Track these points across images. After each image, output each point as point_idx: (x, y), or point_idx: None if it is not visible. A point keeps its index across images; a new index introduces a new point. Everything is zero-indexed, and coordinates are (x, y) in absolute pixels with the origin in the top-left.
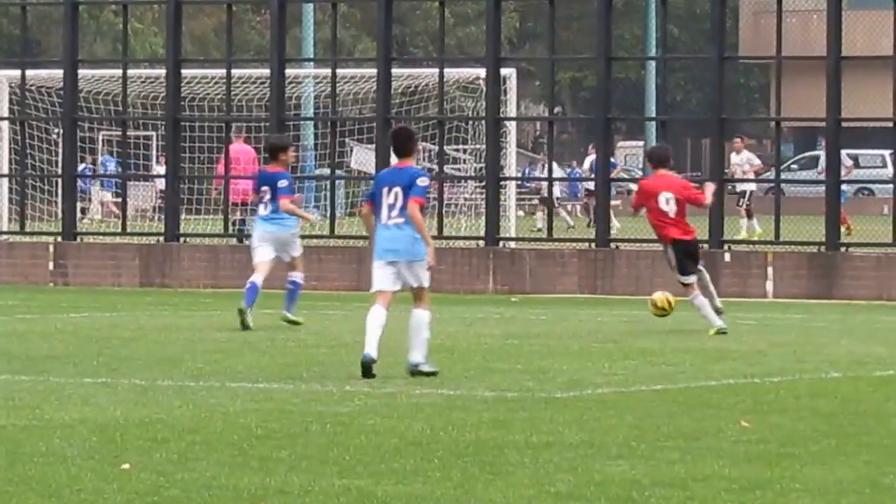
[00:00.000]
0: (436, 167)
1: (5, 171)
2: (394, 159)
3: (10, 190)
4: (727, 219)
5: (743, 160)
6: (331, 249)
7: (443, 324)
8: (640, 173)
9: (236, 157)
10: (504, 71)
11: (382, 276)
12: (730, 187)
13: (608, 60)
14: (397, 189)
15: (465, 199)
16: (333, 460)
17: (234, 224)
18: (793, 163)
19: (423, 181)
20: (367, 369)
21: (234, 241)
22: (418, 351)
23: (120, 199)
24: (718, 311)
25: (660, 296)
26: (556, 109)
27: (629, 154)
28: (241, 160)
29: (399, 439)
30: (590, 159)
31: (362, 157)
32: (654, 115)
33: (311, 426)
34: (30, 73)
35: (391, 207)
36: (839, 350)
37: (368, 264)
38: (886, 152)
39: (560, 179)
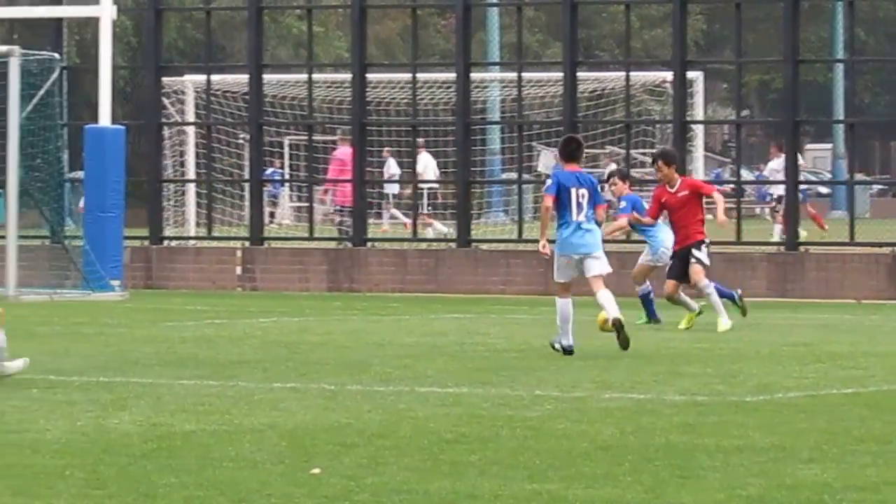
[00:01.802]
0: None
1: (192, 176)
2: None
3: (198, 195)
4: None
5: (779, 166)
6: (518, 254)
7: (631, 328)
8: (829, 175)
9: (345, 160)
10: (691, 74)
11: (568, 269)
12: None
13: (796, 63)
14: (584, 191)
15: None
16: (523, 465)
17: None
18: None
19: (600, 187)
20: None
21: (422, 245)
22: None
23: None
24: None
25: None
26: (744, 112)
27: (817, 157)
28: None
29: (589, 443)
30: (778, 161)
31: (549, 161)
32: (841, 117)
33: (500, 430)
34: (215, 77)
35: (580, 207)
36: None
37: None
38: None
39: (748, 182)
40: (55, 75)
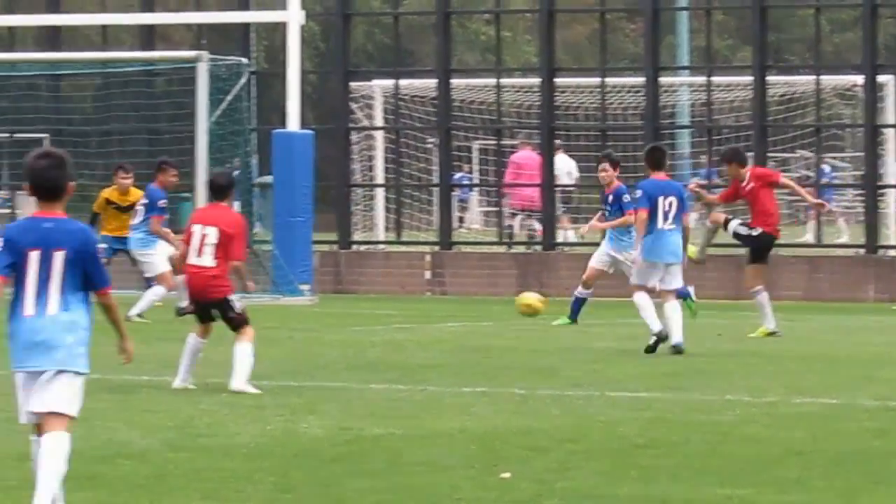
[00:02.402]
0: (813, 175)
1: (381, 180)
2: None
3: (386, 199)
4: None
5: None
6: (711, 258)
7: (822, 333)
8: None
9: (522, 164)
10: (881, 78)
11: (651, 274)
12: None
13: None
14: (672, 199)
15: (844, 208)
16: (714, 470)
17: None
18: None
19: (686, 194)
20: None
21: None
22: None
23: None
24: None
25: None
26: None
27: None
28: (524, 167)
29: (780, 448)
30: None
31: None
32: None
33: (691, 435)
34: (403, 82)
35: (666, 215)
36: None
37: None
38: None
39: None
40: (244, 80)
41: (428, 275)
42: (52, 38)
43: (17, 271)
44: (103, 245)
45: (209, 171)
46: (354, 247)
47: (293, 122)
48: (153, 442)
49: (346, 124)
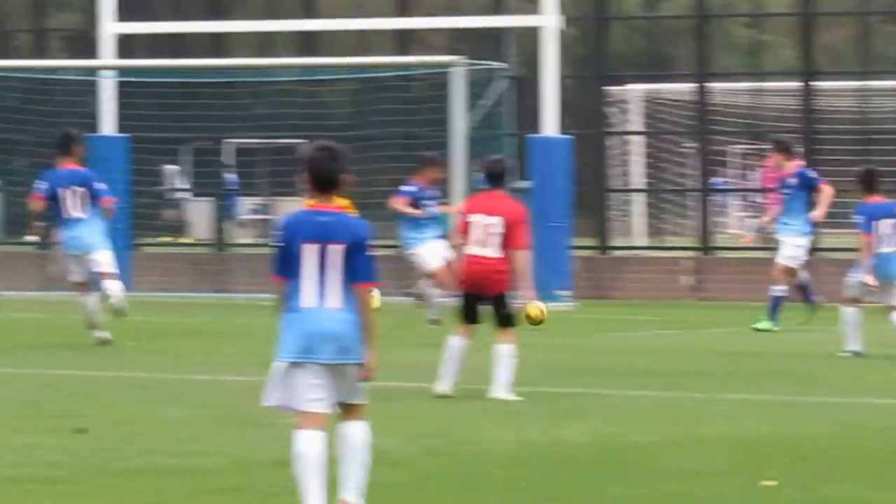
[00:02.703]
0: None
1: (639, 185)
2: None
3: (647, 205)
4: None
5: None
6: None
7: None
8: None
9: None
10: None
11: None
12: None
13: None
14: (891, 221)
15: None
16: None
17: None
18: None
19: None
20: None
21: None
22: None
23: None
24: None
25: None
26: None
27: None
28: None
29: None
30: None
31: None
32: None
33: None
34: (660, 86)
35: (887, 238)
36: None
37: None
38: None
39: None
40: (502, 85)
41: (687, 280)
42: (309, 43)
43: (294, 265)
44: None
45: (467, 176)
46: (613, 252)
47: (551, 127)
48: (412, 449)
49: (603, 129)
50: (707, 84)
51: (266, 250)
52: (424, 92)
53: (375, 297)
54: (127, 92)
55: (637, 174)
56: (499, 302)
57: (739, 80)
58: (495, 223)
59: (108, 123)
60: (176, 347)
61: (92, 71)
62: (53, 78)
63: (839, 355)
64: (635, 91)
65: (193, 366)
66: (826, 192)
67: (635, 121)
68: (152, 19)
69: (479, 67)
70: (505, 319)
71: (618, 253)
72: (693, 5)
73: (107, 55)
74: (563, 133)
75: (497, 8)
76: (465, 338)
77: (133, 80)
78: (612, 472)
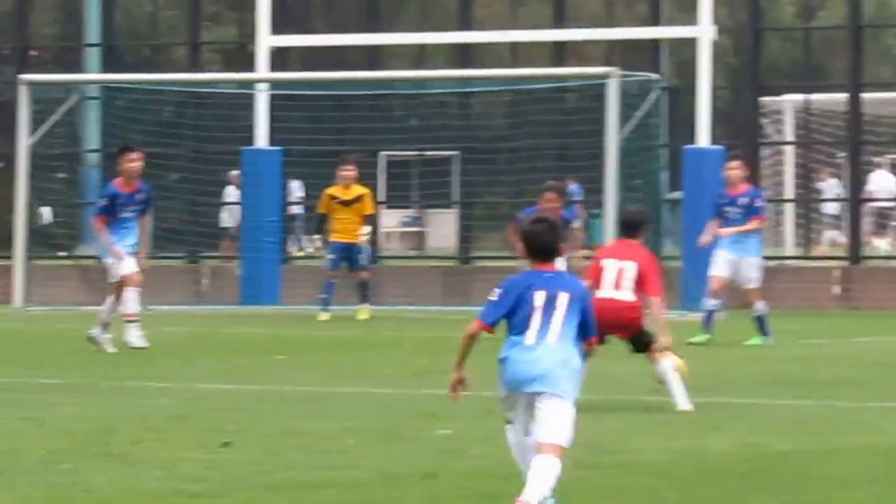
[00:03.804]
0: None
1: (791, 195)
2: None
3: (797, 215)
4: None
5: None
6: None
7: None
8: None
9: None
10: None
11: None
12: None
13: None
14: None
15: None
16: None
17: None
18: None
19: None
20: None
21: None
22: None
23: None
24: None
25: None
26: None
27: None
28: None
29: None
30: None
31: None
32: None
33: None
34: (814, 97)
35: None
36: None
37: None
38: None
39: None
40: (654, 96)
41: (837, 289)
42: (463, 55)
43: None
44: (330, 255)
45: (617, 193)
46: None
47: (703, 138)
48: None
49: (757, 140)
50: (860, 94)
51: (416, 262)
52: (579, 103)
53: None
54: (281, 105)
55: (790, 184)
56: (635, 339)
57: (893, 90)
58: (629, 267)
59: (262, 137)
60: (324, 360)
61: (247, 84)
62: (208, 91)
63: None
64: (789, 101)
65: (341, 378)
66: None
67: (789, 131)
68: (307, 32)
69: (634, 78)
70: (642, 345)
71: (768, 262)
72: (848, 15)
73: (262, 68)
74: (716, 144)
75: (652, 19)
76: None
77: (288, 92)
78: (757, 481)
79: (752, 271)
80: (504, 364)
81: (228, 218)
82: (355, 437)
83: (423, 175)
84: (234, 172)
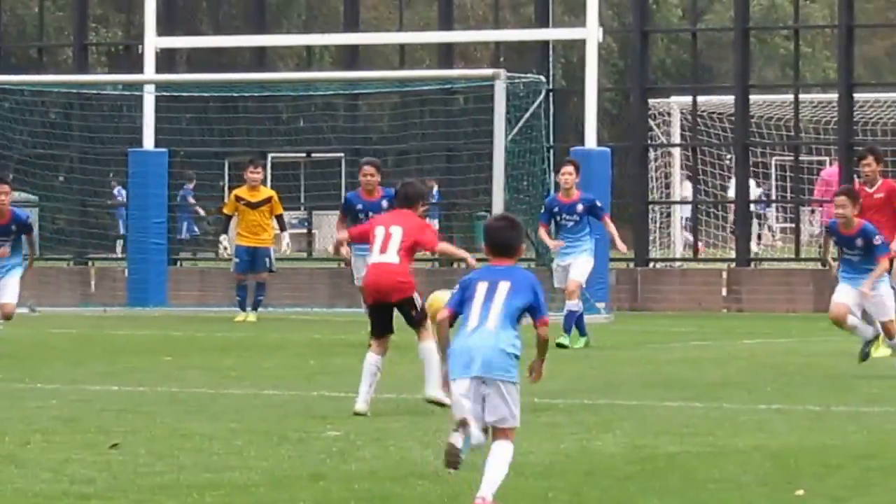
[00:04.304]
0: None
1: (678, 197)
2: None
3: (681, 217)
4: None
5: None
6: None
7: None
8: None
9: (832, 180)
10: None
11: None
12: None
13: None
14: None
15: None
16: None
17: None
18: None
19: None
20: None
21: None
22: None
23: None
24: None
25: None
26: None
27: None
28: (834, 183)
29: None
30: None
31: None
32: None
33: None
34: (701, 99)
35: None
36: None
37: None
38: None
39: None
40: (541, 97)
41: (724, 291)
42: (350, 57)
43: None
44: (236, 258)
45: (504, 194)
46: (651, 264)
47: (591, 140)
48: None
49: (644, 141)
50: (748, 96)
51: (313, 264)
52: (466, 105)
53: None
54: (168, 107)
55: (677, 186)
56: (406, 312)
57: (780, 91)
58: (396, 232)
59: (149, 138)
60: (211, 361)
61: (134, 86)
62: (95, 93)
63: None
64: (676, 103)
65: (229, 380)
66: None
67: (676, 133)
68: (194, 33)
69: (521, 80)
70: (412, 320)
71: (657, 265)
72: (734, 18)
73: (149, 70)
74: (603, 145)
75: (540, 21)
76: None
77: (175, 94)
78: (645, 482)
79: (584, 266)
80: (450, 354)
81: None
82: (244, 438)
83: (310, 177)
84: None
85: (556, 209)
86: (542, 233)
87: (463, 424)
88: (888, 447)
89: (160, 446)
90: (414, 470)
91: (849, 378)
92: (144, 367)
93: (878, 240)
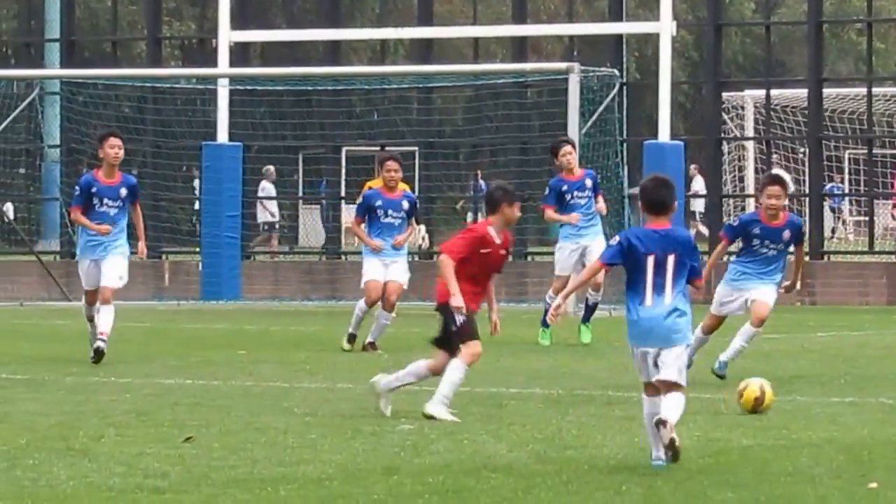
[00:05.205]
0: None
1: (752, 190)
2: None
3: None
4: None
5: None
6: None
7: None
8: None
9: None
10: None
11: None
12: None
13: None
14: None
15: None
16: None
17: None
18: None
19: None
20: None
21: None
22: None
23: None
24: None
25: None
26: None
27: None
28: None
29: None
30: None
31: None
32: None
33: None
34: (774, 92)
35: None
36: None
37: None
38: None
39: None
40: (615, 91)
41: (798, 285)
42: (424, 50)
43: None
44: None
45: None
46: (726, 258)
47: (664, 133)
48: (521, 454)
49: (717, 135)
50: (821, 89)
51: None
52: (539, 98)
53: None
54: (241, 101)
55: (751, 179)
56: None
57: (853, 85)
58: None
59: (222, 132)
60: (285, 356)
61: (208, 79)
62: (169, 87)
63: None
64: (750, 96)
65: (302, 374)
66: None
67: (750, 126)
68: (268, 27)
69: (595, 74)
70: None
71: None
72: (808, 11)
73: (222, 64)
74: (676, 139)
75: (613, 14)
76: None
77: (248, 88)
78: (718, 476)
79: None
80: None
81: (262, 212)
82: (317, 432)
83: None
84: (269, 167)
85: (564, 188)
86: (551, 213)
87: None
88: None
89: (234, 440)
90: (487, 463)
91: None
92: (218, 361)
93: None
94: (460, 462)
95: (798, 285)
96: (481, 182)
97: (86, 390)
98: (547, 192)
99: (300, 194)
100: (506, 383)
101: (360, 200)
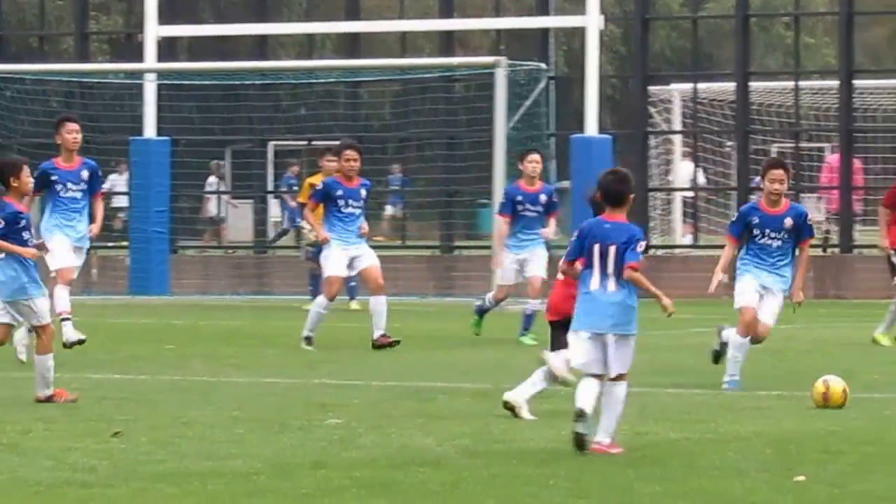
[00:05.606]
0: None
1: (679, 184)
2: None
3: (684, 203)
4: None
5: None
6: None
7: None
8: None
9: (837, 166)
10: None
11: None
12: None
13: None
14: None
15: None
16: None
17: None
18: None
19: None
20: None
21: None
22: None
23: None
24: None
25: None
26: None
27: None
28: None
29: None
30: None
31: None
32: None
33: None
34: (702, 86)
35: None
36: None
37: None
38: None
39: None
40: (542, 85)
41: (726, 278)
42: (352, 45)
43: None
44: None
45: (505, 182)
46: (652, 251)
47: (591, 127)
48: (448, 449)
49: (645, 129)
50: (748, 83)
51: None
52: (467, 93)
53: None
54: (169, 95)
55: (678, 174)
56: None
57: (780, 79)
58: None
59: (150, 127)
60: (212, 350)
61: (135, 74)
62: (97, 81)
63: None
64: (677, 90)
65: (230, 369)
66: None
67: (677, 120)
68: (195, 22)
69: (522, 68)
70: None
71: (658, 252)
72: (735, 5)
73: (150, 58)
74: (604, 133)
75: (540, 9)
76: None
77: (176, 82)
78: (645, 469)
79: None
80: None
81: (214, 207)
82: (245, 426)
83: (310, 164)
84: (217, 162)
85: (519, 198)
86: (502, 228)
87: None
88: (888, 433)
89: (162, 435)
90: (415, 457)
91: (849, 364)
92: (146, 356)
93: None
94: (388, 456)
95: (802, 296)
96: (399, 175)
97: (13, 385)
98: (503, 199)
99: (229, 189)
100: (435, 377)
101: (319, 187)
